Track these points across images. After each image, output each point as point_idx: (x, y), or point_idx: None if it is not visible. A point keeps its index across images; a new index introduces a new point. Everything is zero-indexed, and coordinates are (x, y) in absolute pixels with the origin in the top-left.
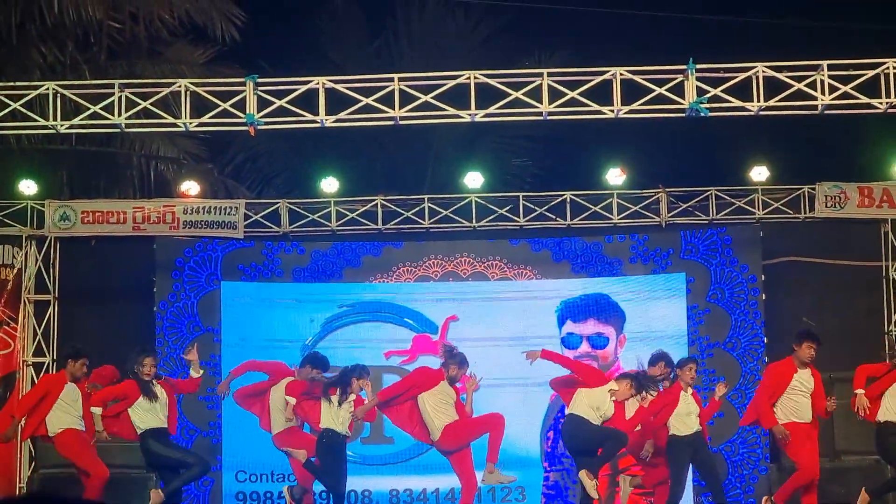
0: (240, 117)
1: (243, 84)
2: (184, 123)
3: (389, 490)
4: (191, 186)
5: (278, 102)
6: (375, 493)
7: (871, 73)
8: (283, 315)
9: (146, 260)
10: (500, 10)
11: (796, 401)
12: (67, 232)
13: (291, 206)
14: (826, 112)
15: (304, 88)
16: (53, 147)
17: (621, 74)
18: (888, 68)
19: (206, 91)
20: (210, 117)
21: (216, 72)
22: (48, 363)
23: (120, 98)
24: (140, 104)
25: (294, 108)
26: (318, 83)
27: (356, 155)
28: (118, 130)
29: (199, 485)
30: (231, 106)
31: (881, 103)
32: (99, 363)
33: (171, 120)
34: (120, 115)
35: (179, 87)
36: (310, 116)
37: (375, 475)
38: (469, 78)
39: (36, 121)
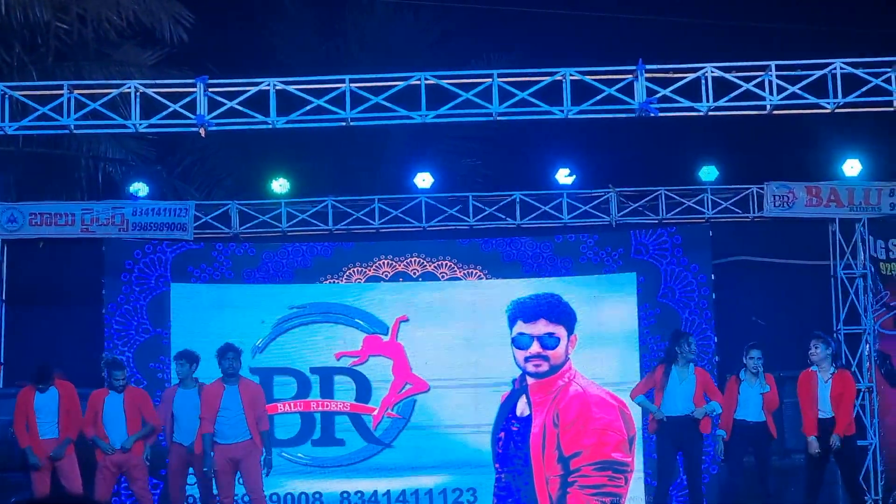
0: (189, 118)
1: (193, 85)
2: (133, 125)
3: (340, 492)
4: (140, 188)
5: (229, 104)
6: (326, 496)
7: (818, 73)
8: (233, 317)
9: (95, 262)
10: (450, 12)
11: None
12: (15, 234)
13: (241, 208)
14: (774, 112)
15: (254, 90)
16: (1, 149)
17: (571, 75)
18: (835, 69)
19: (156, 92)
20: (160, 118)
21: (165, 73)
22: None
23: (69, 99)
24: (89, 105)
25: (244, 110)
26: (268, 84)
27: (306, 156)
28: (67, 132)
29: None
30: (181, 107)
31: (828, 103)
32: None
33: (120, 121)
34: (69, 115)
35: (129, 88)
36: (261, 118)
37: (326, 478)
38: (420, 79)
39: None
